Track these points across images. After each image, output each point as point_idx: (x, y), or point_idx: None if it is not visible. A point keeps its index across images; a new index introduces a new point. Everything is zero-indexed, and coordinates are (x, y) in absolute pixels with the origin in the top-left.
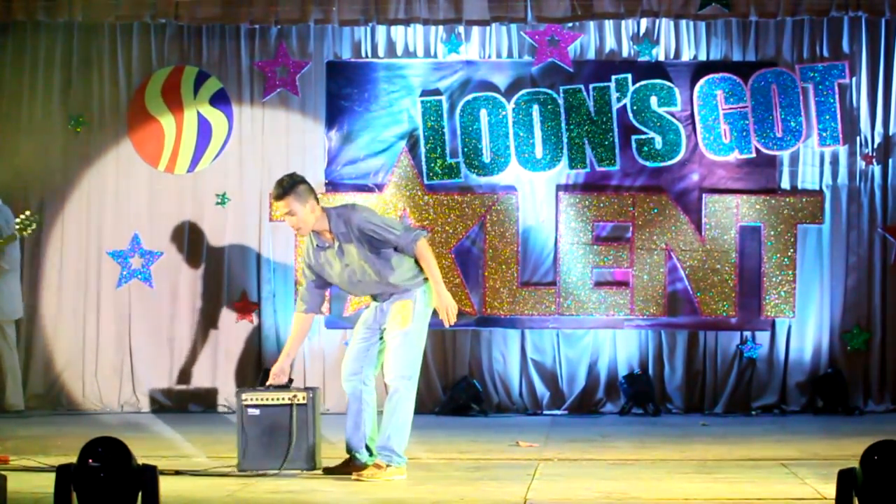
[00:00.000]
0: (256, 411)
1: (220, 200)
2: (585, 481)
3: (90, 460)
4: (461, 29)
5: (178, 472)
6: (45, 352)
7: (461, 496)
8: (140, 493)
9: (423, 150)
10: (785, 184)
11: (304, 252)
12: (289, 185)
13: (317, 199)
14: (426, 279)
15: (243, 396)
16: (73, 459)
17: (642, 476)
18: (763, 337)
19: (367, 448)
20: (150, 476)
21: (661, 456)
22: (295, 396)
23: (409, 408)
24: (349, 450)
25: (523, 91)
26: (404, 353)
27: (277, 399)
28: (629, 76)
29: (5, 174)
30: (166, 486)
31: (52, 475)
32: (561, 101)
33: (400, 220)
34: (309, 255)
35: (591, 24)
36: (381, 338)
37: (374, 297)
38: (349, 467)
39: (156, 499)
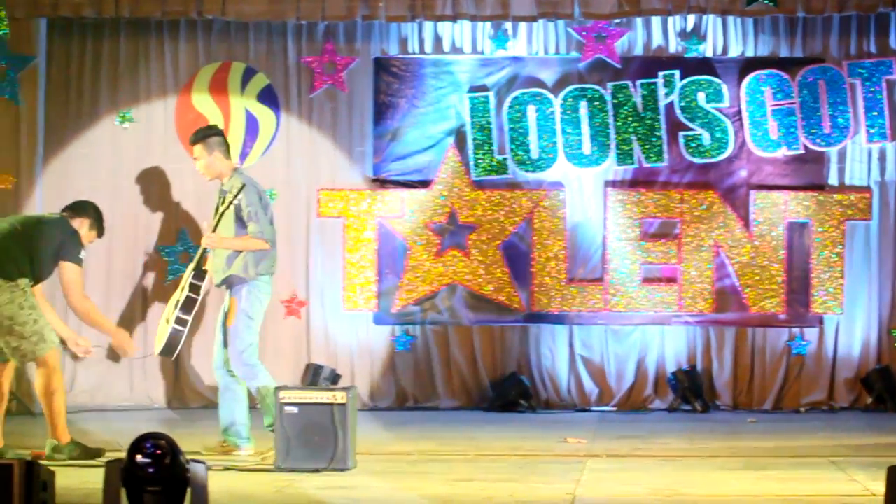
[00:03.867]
0: (295, 409)
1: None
2: (634, 477)
3: (139, 456)
4: (508, 25)
5: (226, 468)
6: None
7: (510, 492)
8: (189, 489)
9: (470, 146)
10: (833, 180)
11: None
12: (202, 135)
13: (226, 155)
14: (254, 278)
15: (282, 395)
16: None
17: (691, 472)
18: (811, 333)
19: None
20: (198, 472)
21: (709, 452)
22: (334, 396)
23: (237, 398)
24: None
25: (571, 87)
26: (232, 349)
27: (316, 398)
28: (677, 72)
29: (53, 170)
30: (215, 481)
31: (101, 471)
32: (608, 98)
33: (270, 222)
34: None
35: (639, 20)
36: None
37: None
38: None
39: (205, 495)
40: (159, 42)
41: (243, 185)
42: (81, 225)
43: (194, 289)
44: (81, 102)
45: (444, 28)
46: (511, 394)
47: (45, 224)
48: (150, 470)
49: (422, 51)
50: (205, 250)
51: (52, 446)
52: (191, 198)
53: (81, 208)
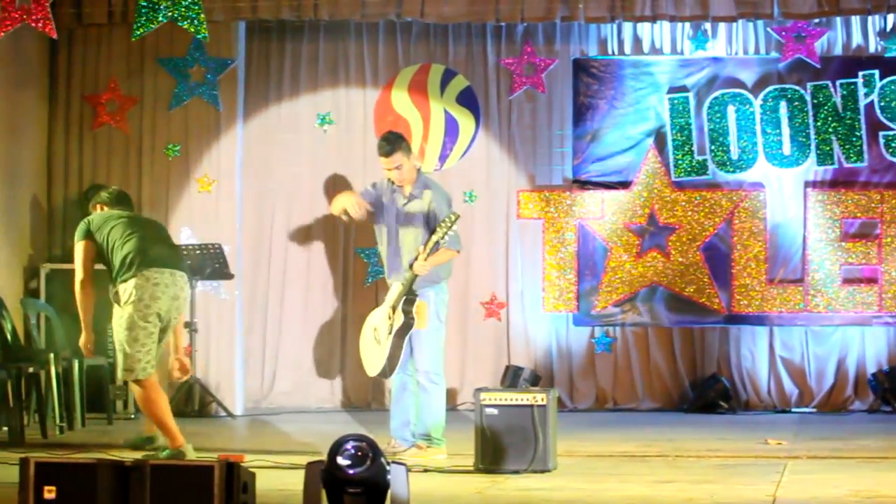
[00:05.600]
0: (494, 411)
1: (467, 198)
2: (834, 479)
3: (340, 458)
4: (708, 25)
5: (426, 470)
6: (290, 349)
7: (710, 494)
8: (389, 491)
9: (670, 147)
10: None
11: (384, 182)
12: (395, 142)
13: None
14: (440, 281)
15: (482, 396)
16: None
17: (892, 474)
18: None
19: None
20: (399, 474)
21: None
22: (535, 397)
23: (440, 399)
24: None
25: (770, 87)
26: (427, 353)
27: (517, 399)
28: (876, 72)
29: (252, 173)
30: (415, 483)
31: (301, 472)
32: (808, 98)
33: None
34: (385, 183)
35: (838, 20)
36: None
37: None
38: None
39: (406, 497)
40: (358, 44)
41: (430, 189)
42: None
43: (409, 315)
44: (280, 105)
45: (644, 29)
46: (711, 395)
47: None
48: (351, 471)
49: (621, 52)
50: (416, 276)
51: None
52: None
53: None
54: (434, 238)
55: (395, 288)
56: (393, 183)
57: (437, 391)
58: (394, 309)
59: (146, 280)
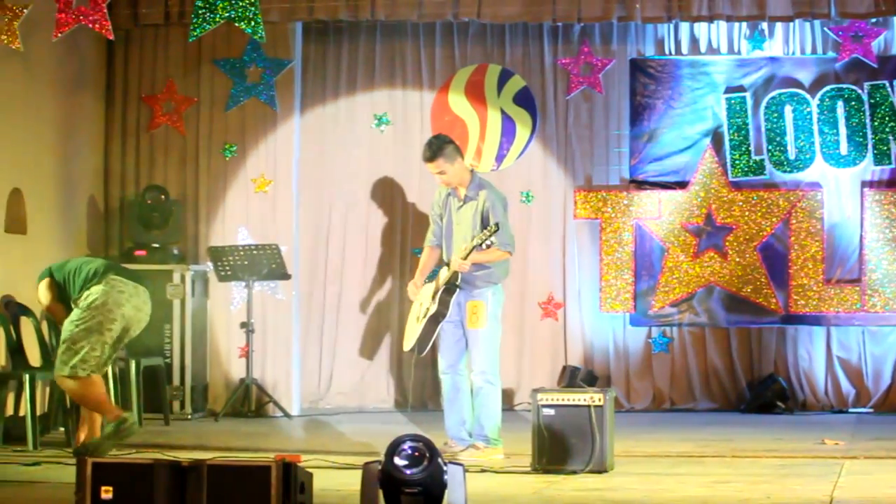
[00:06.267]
0: (552, 411)
1: (524, 198)
2: (892, 479)
3: (397, 458)
4: (765, 25)
5: (483, 470)
6: (347, 348)
7: (767, 494)
8: (446, 491)
9: (727, 147)
10: None
11: (439, 195)
12: (437, 147)
13: (462, 157)
14: (498, 281)
15: (539, 396)
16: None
17: None
18: None
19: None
20: (456, 474)
21: None
22: (592, 398)
23: (496, 400)
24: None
25: (827, 87)
26: (485, 352)
27: (574, 399)
28: None
29: (310, 174)
30: (472, 483)
31: (358, 472)
32: (865, 98)
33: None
34: (440, 195)
35: (895, 20)
36: (464, 333)
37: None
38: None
39: (463, 497)
40: (415, 45)
41: (485, 189)
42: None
43: (444, 303)
44: (337, 106)
45: (701, 28)
46: (768, 395)
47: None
48: (408, 472)
49: (678, 51)
50: (456, 272)
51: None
52: None
53: None
54: (474, 241)
55: (443, 274)
56: (446, 189)
57: (494, 392)
58: (434, 295)
59: (111, 287)
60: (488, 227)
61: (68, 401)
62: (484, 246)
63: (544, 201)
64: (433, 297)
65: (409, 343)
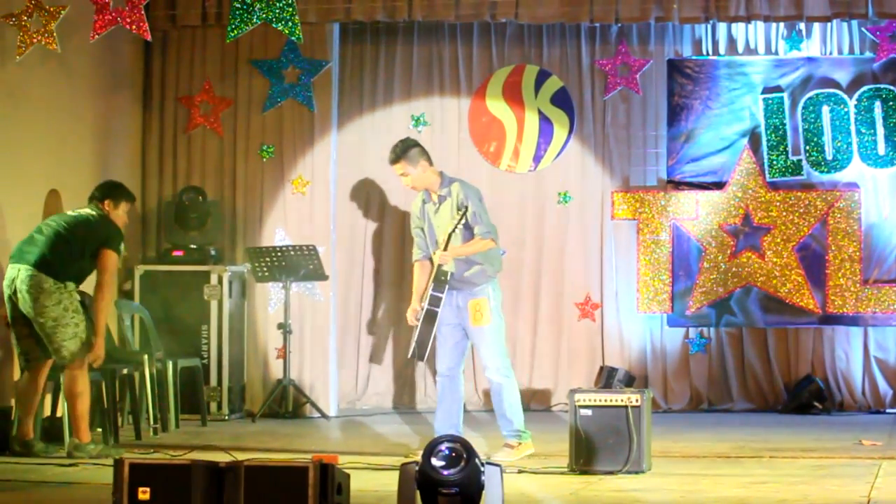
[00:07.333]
0: (589, 412)
1: (561, 199)
2: None
3: (434, 459)
4: (802, 25)
5: (520, 471)
6: (384, 349)
7: (804, 495)
8: (483, 492)
9: (764, 147)
10: None
11: (416, 207)
12: (401, 150)
13: (429, 161)
14: (494, 275)
15: (577, 397)
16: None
17: None
18: None
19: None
20: (494, 475)
21: None
22: (629, 398)
23: (516, 392)
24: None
25: (865, 87)
26: (494, 348)
27: (611, 400)
28: None
29: (347, 174)
30: (508, 483)
31: (395, 473)
32: None
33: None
34: (417, 207)
35: None
36: (466, 335)
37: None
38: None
39: (500, 498)
40: (452, 46)
41: (456, 185)
42: (115, 207)
43: (435, 301)
44: (375, 107)
45: (738, 29)
46: (805, 396)
47: (89, 224)
48: (446, 472)
49: (715, 52)
50: (440, 266)
51: (73, 445)
52: (485, 200)
53: (105, 193)
54: (449, 229)
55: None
56: (421, 197)
57: (512, 385)
58: (424, 294)
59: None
60: (458, 210)
61: (105, 400)
62: (457, 231)
63: (581, 202)
64: (422, 297)
65: (409, 350)
